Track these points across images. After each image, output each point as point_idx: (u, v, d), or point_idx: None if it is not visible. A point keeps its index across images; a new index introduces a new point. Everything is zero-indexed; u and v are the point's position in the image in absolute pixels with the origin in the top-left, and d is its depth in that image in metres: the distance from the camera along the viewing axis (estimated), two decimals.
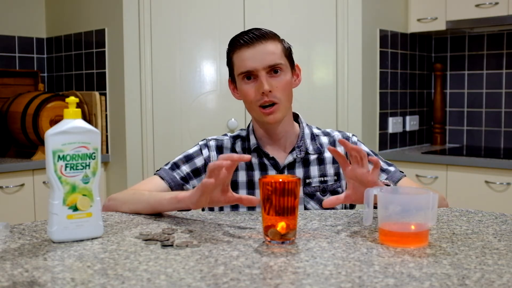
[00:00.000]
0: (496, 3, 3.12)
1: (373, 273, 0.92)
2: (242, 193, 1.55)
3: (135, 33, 2.97)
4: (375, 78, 3.24)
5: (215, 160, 1.58)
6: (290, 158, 1.57)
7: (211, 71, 3.04)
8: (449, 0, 3.28)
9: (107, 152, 3.16)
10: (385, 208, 1.12)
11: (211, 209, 1.58)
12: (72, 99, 1.15)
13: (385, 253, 1.04)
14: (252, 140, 1.59)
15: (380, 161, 1.59)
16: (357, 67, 3.09)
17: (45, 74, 3.56)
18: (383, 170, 1.58)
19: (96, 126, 3.13)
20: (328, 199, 1.31)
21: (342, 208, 1.58)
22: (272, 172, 1.56)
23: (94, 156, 1.15)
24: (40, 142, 2.95)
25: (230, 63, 1.57)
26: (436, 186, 3.03)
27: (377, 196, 1.14)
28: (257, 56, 1.49)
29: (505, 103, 3.50)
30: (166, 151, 2.97)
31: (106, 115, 3.15)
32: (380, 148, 3.29)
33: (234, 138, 1.63)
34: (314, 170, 1.58)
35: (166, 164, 1.60)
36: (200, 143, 1.62)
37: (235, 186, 1.56)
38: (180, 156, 1.60)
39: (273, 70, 1.50)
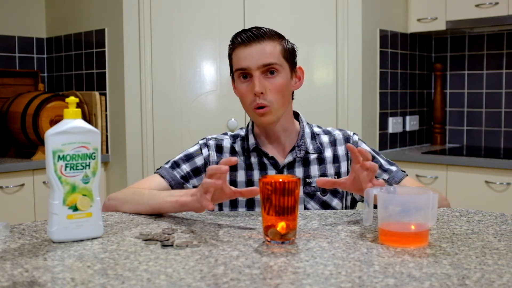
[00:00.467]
0: (496, 3, 3.12)
1: (373, 273, 0.92)
2: None
3: (135, 33, 2.97)
4: (375, 78, 3.24)
5: (215, 160, 1.58)
6: (289, 158, 1.56)
7: (211, 71, 3.04)
8: (449, 0, 3.28)
9: (107, 152, 3.16)
10: (385, 208, 1.12)
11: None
12: (72, 99, 1.15)
13: (385, 253, 1.04)
14: (251, 140, 1.58)
15: (382, 160, 1.59)
16: (357, 67, 3.09)
17: (45, 74, 3.56)
18: (384, 170, 1.57)
19: (96, 126, 3.13)
20: (323, 178, 1.33)
21: (342, 208, 1.58)
22: (271, 172, 1.56)
23: (94, 156, 1.15)
24: (40, 142, 2.95)
25: (230, 60, 1.58)
26: (436, 186, 3.03)
27: (377, 196, 1.14)
28: (252, 55, 1.49)
29: (505, 103, 3.50)
30: (166, 151, 2.97)
31: (106, 115, 3.15)
32: (380, 148, 3.29)
33: (234, 138, 1.62)
34: (314, 169, 1.57)
35: (167, 163, 1.59)
36: (200, 142, 1.62)
37: (234, 185, 1.55)
38: (181, 155, 1.60)
39: (269, 70, 1.49)
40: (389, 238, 1.11)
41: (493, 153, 3.21)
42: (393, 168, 1.59)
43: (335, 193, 1.57)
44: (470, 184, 2.97)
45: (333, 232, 1.20)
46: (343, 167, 1.59)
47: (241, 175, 1.57)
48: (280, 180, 1.11)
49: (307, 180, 1.56)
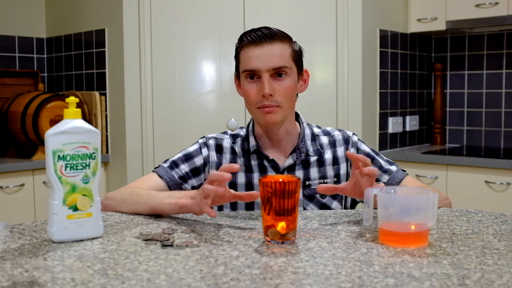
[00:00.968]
0: (496, 3, 3.12)
1: (373, 273, 0.92)
2: None
3: (135, 33, 2.97)
4: (375, 78, 3.24)
5: (214, 160, 1.57)
6: (290, 161, 1.55)
7: (211, 71, 3.04)
8: (449, 0, 3.28)
9: (107, 152, 3.16)
10: (385, 208, 1.12)
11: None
12: (72, 99, 1.15)
13: (385, 253, 1.04)
14: (252, 142, 1.56)
15: (382, 161, 1.59)
16: (357, 67, 3.08)
17: (45, 74, 3.56)
18: (384, 171, 1.57)
19: (96, 126, 3.13)
20: (324, 185, 1.32)
21: (342, 208, 1.58)
22: (271, 174, 1.55)
23: (94, 156, 1.15)
24: (40, 142, 2.95)
25: (236, 59, 1.55)
26: (436, 186, 3.03)
27: (377, 196, 1.14)
28: (263, 57, 1.46)
29: (505, 103, 3.49)
30: (166, 151, 2.97)
31: (106, 115, 3.15)
32: (380, 148, 3.29)
33: (234, 137, 1.61)
34: (314, 172, 1.56)
35: (165, 162, 1.58)
36: (200, 141, 1.61)
37: (233, 187, 1.55)
38: (180, 155, 1.59)
39: (277, 73, 1.47)
40: (389, 238, 1.11)
41: (493, 153, 3.21)
42: (393, 168, 1.58)
43: (334, 195, 1.56)
44: (470, 184, 2.97)
45: (333, 232, 1.20)
46: (343, 168, 1.58)
47: (241, 177, 1.56)
48: (280, 180, 1.11)
49: (307, 183, 1.55)
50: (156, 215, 1.38)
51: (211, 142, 1.59)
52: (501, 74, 3.50)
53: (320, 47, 3.04)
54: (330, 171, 1.57)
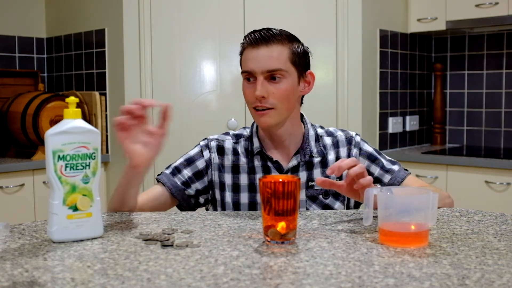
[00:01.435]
0: (496, 3, 3.12)
1: (373, 273, 0.92)
2: (244, 196, 1.54)
3: (135, 33, 2.97)
4: (375, 78, 3.24)
5: (216, 162, 1.57)
6: (294, 162, 1.54)
7: (211, 71, 3.04)
8: (449, 0, 3.28)
9: (107, 152, 3.16)
10: (385, 208, 1.12)
11: (215, 208, 1.58)
12: (72, 99, 1.15)
13: (385, 253, 1.04)
14: (256, 143, 1.55)
15: (384, 161, 1.59)
16: (357, 67, 3.08)
17: (45, 74, 3.56)
18: (386, 171, 1.57)
19: (96, 126, 3.13)
20: (322, 178, 1.32)
21: (343, 208, 1.58)
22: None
23: (94, 156, 1.15)
24: (40, 142, 2.95)
25: (240, 59, 1.54)
26: (436, 186, 3.03)
27: (377, 196, 1.14)
28: (258, 59, 1.45)
29: (505, 103, 3.50)
30: (166, 151, 2.94)
31: (106, 115, 3.15)
32: (380, 148, 3.29)
33: (237, 137, 1.60)
34: (317, 173, 1.55)
35: (167, 168, 1.58)
36: (201, 143, 1.60)
37: (236, 189, 1.55)
38: (181, 160, 1.59)
39: (272, 76, 1.46)
40: (389, 238, 1.11)
41: (493, 153, 3.21)
42: (395, 167, 1.58)
43: (337, 196, 1.56)
44: (470, 184, 2.97)
45: (333, 232, 1.20)
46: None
47: (243, 178, 1.55)
48: (280, 180, 1.11)
49: (310, 184, 1.55)
50: (156, 215, 1.38)
51: (213, 144, 1.59)
52: (501, 74, 3.50)
53: (320, 47, 3.04)
54: None
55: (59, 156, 1.12)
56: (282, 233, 1.11)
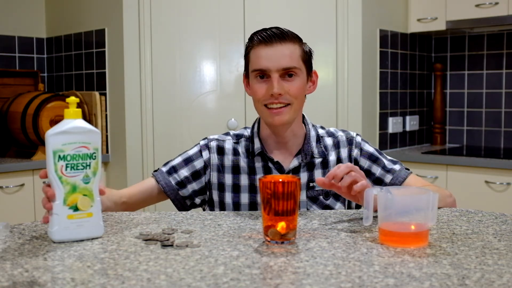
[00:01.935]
0: (496, 3, 3.12)
1: (373, 273, 0.92)
2: (244, 197, 1.54)
3: (135, 33, 2.97)
4: (375, 78, 3.24)
5: (216, 162, 1.56)
6: (295, 162, 1.54)
7: (211, 71, 3.04)
8: (449, 0, 3.28)
9: (107, 152, 3.16)
10: (385, 208, 1.12)
11: (211, 209, 1.58)
12: (72, 99, 1.15)
13: (385, 253, 1.04)
14: (257, 144, 1.55)
15: (385, 161, 1.58)
16: (357, 67, 3.08)
17: (45, 74, 3.56)
18: (388, 171, 1.56)
19: (96, 126, 3.12)
20: (322, 178, 1.31)
21: (343, 208, 1.58)
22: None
23: (95, 156, 1.15)
24: (40, 142, 2.95)
25: (246, 58, 1.53)
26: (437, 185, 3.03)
27: (376, 196, 1.14)
28: (273, 56, 1.45)
29: (505, 103, 3.49)
30: (166, 151, 2.97)
31: (106, 115, 3.15)
32: (380, 148, 3.29)
33: (237, 138, 1.59)
34: (318, 173, 1.55)
35: (165, 165, 1.57)
36: (201, 143, 1.59)
37: (237, 189, 1.55)
38: (180, 159, 1.58)
39: (287, 73, 1.46)
40: (389, 238, 1.11)
41: (493, 153, 3.21)
42: (397, 167, 1.58)
43: (337, 197, 1.55)
44: (470, 184, 2.97)
45: (333, 232, 1.20)
46: None
47: (244, 179, 1.55)
48: (280, 180, 1.11)
49: (311, 184, 1.54)
50: (156, 215, 1.38)
51: (213, 144, 1.58)
52: (501, 74, 3.50)
53: (320, 47, 3.04)
54: None
55: (59, 156, 1.12)
56: (282, 233, 1.11)
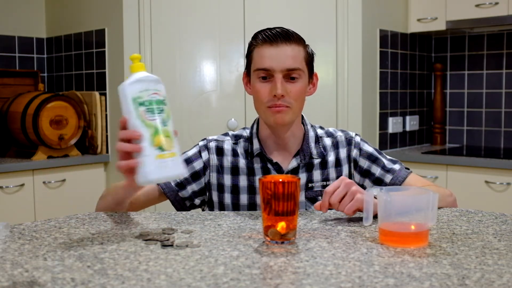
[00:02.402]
0: (496, 3, 3.12)
1: (373, 273, 0.92)
2: (243, 198, 1.54)
3: (135, 33, 2.97)
4: (375, 78, 3.24)
5: (215, 163, 1.56)
6: (294, 163, 1.54)
7: (211, 71, 3.04)
8: (449, 0, 3.28)
9: (107, 152, 3.16)
10: (385, 208, 1.12)
11: (211, 209, 1.58)
12: (134, 56, 1.20)
13: (385, 253, 1.04)
14: (256, 145, 1.54)
15: (385, 160, 1.58)
16: (357, 67, 3.09)
17: (45, 74, 3.56)
18: (387, 170, 1.56)
19: (96, 126, 3.13)
20: (319, 203, 1.31)
21: None
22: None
23: (166, 103, 1.19)
24: (40, 142, 2.95)
25: (249, 56, 1.52)
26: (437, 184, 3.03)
27: (377, 197, 1.14)
28: (278, 57, 1.44)
29: (505, 103, 3.50)
30: None
31: (106, 115, 3.15)
32: (380, 148, 3.29)
33: (236, 138, 1.58)
34: (317, 174, 1.55)
35: None
36: (200, 143, 1.59)
37: (236, 190, 1.55)
38: None
39: (290, 75, 1.45)
40: (389, 238, 1.11)
41: (493, 153, 3.21)
42: (397, 167, 1.57)
43: None
44: (470, 184, 2.97)
45: (333, 232, 1.20)
46: (345, 170, 1.58)
47: (243, 180, 1.55)
48: (280, 180, 1.11)
49: (309, 185, 1.54)
50: (156, 215, 1.38)
51: (212, 145, 1.57)
52: (501, 74, 3.50)
53: (320, 47, 3.04)
54: (332, 173, 1.56)
55: (139, 103, 1.16)
56: (282, 233, 1.11)
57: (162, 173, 1.17)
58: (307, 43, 1.54)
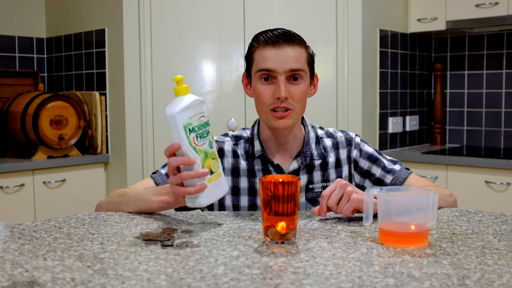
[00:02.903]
0: (496, 3, 3.12)
1: (373, 273, 0.92)
2: (244, 199, 1.54)
3: (135, 33, 2.97)
4: (375, 78, 3.24)
5: None
6: (295, 165, 1.53)
7: (211, 71, 3.04)
8: (449, 0, 3.28)
9: (107, 152, 3.16)
10: (385, 208, 1.12)
11: (211, 209, 1.58)
12: (178, 77, 1.23)
13: (385, 253, 1.04)
14: (257, 146, 1.54)
15: (385, 161, 1.58)
16: (357, 67, 3.09)
17: (45, 74, 3.56)
18: (388, 171, 1.56)
19: (96, 126, 3.13)
20: (317, 208, 1.32)
21: None
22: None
23: (209, 123, 1.25)
24: (40, 142, 2.95)
25: (249, 58, 1.50)
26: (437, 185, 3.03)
27: (377, 196, 1.14)
28: (280, 58, 1.43)
29: (505, 103, 3.50)
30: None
31: (106, 115, 3.15)
32: (380, 148, 3.29)
33: (236, 139, 1.58)
34: (317, 175, 1.55)
35: (163, 167, 1.55)
36: None
37: (236, 192, 1.54)
38: None
39: (293, 76, 1.45)
40: (389, 238, 1.11)
41: (493, 153, 3.21)
42: (397, 167, 1.57)
43: None
44: (470, 184, 2.97)
45: (333, 232, 1.20)
46: (345, 171, 1.57)
47: (243, 181, 1.54)
48: (280, 180, 1.11)
49: (310, 186, 1.54)
50: (156, 215, 1.38)
51: None
52: (501, 74, 3.50)
53: (320, 47, 3.04)
54: (332, 174, 1.56)
55: (190, 129, 1.20)
56: (282, 233, 1.11)
57: (213, 196, 1.25)
58: (307, 43, 1.53)
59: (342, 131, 1.62)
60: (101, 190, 3.15)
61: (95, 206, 1.49)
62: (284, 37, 1.44)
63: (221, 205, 1.54)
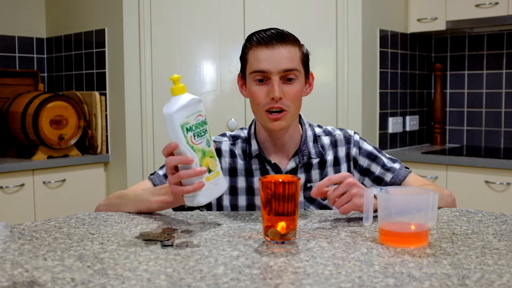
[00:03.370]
0: (496, 3, 3.12)
1: (373, 273, 0.92)
2: (242, 199, 1.54)
3: (135, 33, 2.97)
4: (375, 78, 3.24)
5: None
6: (292, 164, 1.53)
7: (211, 71, 3.04)
8: (449, 0, 3.28)
9: (107, 152, 3.16)
10: (385, 208, 1.12)
11: (209, 209, 1.57)
12: (175, 77, 1.24)
13: (385, 253, 1.04)
14: (254, 146, 1.54)
15: (384, 159, 1.58)
16: (357, 67, 3.09)
17: (45, 74, 3.56)
18: (387, 169, 1.56)
19: (96, 126, 3.13)
20: (315, 190, 1.31)
21: None
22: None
23: (206, 122, 1.25)
24: (40, 142, 2.95)
25: (243, 59, 1.50)
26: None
27: (376, 196, 1.14)
28: (273, 59, 1.42)
29: (505, 103, 3.50)
30: None
31: (106, 115, 3.15)
32: (380, 148, 3.28)
33: (234, 139, 1.58)
34: (315, 174, 1.55)
35: (161, 168, 1.55)
36: None
37: (234, 191, 1.54)
38: None
39: (287, 76, 1.44)
40: (389, 238, 1.11)
41: (493, 153, 3.21)
42: (396, 165, 1.57)
43: None
44: (470, 184, 2.97)
45: (333, 232, 1.20)
46: (343, 169, 1.57)
47: (241, 181, 1.54)
48: (280, 180, 1.11)
49: (308, 185, 1.54)
50: (156, 215, 1.38)
51: None
52: (501, 74, 3.50)
53: (320, 47, 3.04)
54: (331, 172, 1.56)
55: (187, 128, 1.20)
56: (282, 233, 1.11)
57: (211, 194, 1.25)
58: (306, 42, 1.53)
59: (341, 129, 1.62)
60: (101, 190, 3.15)
61: (94, 209, 1.49)
62: (277, 37, 1.44)
63: (219, 205, 1.54)
